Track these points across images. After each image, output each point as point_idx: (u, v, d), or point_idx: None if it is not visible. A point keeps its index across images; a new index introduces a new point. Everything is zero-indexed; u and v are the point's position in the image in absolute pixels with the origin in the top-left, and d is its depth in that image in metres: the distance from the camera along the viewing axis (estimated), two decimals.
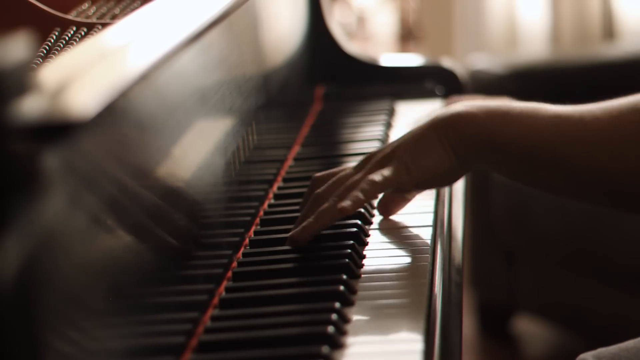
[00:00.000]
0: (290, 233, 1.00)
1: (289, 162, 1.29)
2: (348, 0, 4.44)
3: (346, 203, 0.98)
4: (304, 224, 0.99)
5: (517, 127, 0.99)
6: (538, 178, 1.01)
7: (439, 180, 1.04)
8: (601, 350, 1.10)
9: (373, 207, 1.11)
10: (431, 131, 1.01)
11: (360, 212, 1.07)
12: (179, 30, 0.90)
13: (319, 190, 1.02)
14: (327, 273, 0.94)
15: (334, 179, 1.03)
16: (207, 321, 0.87)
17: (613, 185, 0.99)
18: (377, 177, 1.00)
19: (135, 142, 0.78)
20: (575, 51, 2.95)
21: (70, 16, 1.17)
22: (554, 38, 3.05)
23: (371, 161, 1.03)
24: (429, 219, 1.07)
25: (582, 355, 1.11)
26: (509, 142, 0.99)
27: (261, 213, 1.11)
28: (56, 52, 1.08)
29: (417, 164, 1.00)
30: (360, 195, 0.99)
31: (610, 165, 0.97)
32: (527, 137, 0.99)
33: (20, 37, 0.62)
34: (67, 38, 1.12)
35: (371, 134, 1.38)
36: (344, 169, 1.05)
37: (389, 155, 1.02)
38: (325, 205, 0.99)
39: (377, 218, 1.09)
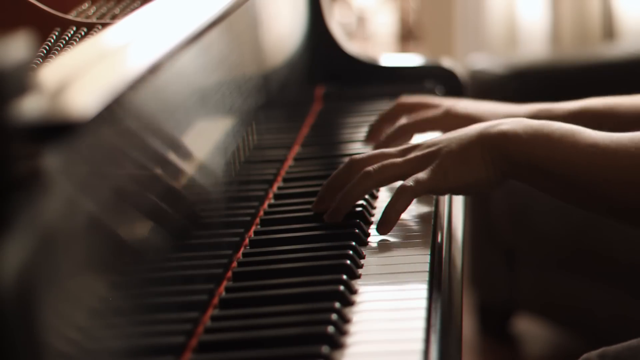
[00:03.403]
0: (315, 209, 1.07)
1: (289, 162, 1.29)
2: (348, 0, 4.44)
3: (376, 173, 1.04)
4: (339, 198, 1.05)
5: (557, 152, 1.02)
6: (575, 200, 1.05)
7: (473, 190, 1.07)
8: (605, 350, 1.11)
9: (373, 207, 1.11)
10: (477, 144, 1.03)
11: (360, 212, 1.07)
12: (179, 30, 0.90)
13: (356, 157, 1.07)
14: (327, 273, 0.94)
15: (374, 153, 1.08)
16: (207, 321, 0.87)
17: None
18: (410, 182, 1.03)
19: (135, 142, 0.78)
20: (575, 51, 2.94)
21: (70, 16, 1.17)
22: (554, 38, 3.05)
23: (414, 151, 1.06)
24: (429, 219, 1.07)
25: (585, 355, 1.11)
26: (548, 165, 1.02)
27: (261, 213, 1.11)
28: (56, 52, 1.08)
29: (456, 171, 1.03)
30: (397, 177, 1.05)
31: None
32: (565, 164, 1.02)
33: (20, 37, 0.62)
34: (67, 38, 1.12)
35: None
36: (386, 151, 1.08)
37: (433, 154, 1.04)
38: (356, 179, 1.04)
39: (377, 218, 1.09)
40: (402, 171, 1.04)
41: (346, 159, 1.08)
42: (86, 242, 0.67)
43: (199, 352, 0.83)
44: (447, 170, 1.03)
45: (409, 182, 1.02)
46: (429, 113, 1.26)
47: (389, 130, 1.27)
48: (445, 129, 1.22)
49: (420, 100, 1.31)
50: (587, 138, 1.02)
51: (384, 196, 1.16)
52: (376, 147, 1.25)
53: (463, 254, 1.08)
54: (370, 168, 1.04)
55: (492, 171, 1.03)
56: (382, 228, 1.03)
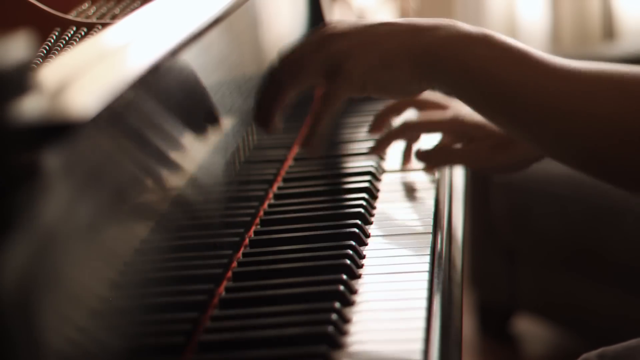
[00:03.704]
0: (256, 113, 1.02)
1: (289, 162, 1.29)
2: (348, 0, 4.44)
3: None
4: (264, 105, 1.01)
5: (505, 64, 0.93)
6: (512, 122, 0.95)
7: (396, 95, 1.00)
8: (604, 350, 1.11)
9: (373, 208, 1.11)
10: (404, 48, 0.95)
11: (360, 212, 1.07)
12: (179, 30, 0.90)
13: (276, 68, 1.01)
14: (327, 273, 0.94)
15: (291, 56, 1.01)
16: (207, 321, 0.87)
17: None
18: (336, 86, 0.97)
19: (135, 142, 0.78)
20: (575, 51, 2.94)
21: (70, 16, 1.17)
22: (554, 38, 3.05)
23: (333, 41, 0.98)
24: (429, 218, 1.07)
25: (584, 355, 1.11)
26: (493, 78, 0.93)
27: (261, 213, 1.11)
28: (56, 52, 1.08)
29: (375, 85, 0.97)
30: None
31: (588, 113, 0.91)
32: (516, 79, 0.93)
33: (20, 37, 0.62)
34: (67, 38, 1.12)
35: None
36: (303, 47, 1.00)
37: (348, 68, 0.96)
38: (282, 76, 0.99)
39: (377, 218, 1.09)
40: (324, 63, 0.97)
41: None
42: (86, 242, 0.67)
43: (199, 352, 0.83)
44: (364, 84, 0.96)
45: (333, 85, 0.97)
46: (436, 115, 1.23)
47: (395, 123, 1.25)
48: (450, 133, 1.21)
49: (429, 97, 1.27)
50: (541, 55, 0.94)
51: (384, 197, 1.16)
52: (379, 140, 1.24)
53: (463, 254, 1.08)
54: (292, 65, 0.99)
55: (419, 78, 0.95)
56: (309, 139, 1.01)
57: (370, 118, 1.45)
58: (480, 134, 1.18)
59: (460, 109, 1.23)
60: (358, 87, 0.97)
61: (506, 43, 0.94)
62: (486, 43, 0.94)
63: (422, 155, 1.22)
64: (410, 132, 1.24)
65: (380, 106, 1.50)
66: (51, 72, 0.70)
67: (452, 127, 1.21)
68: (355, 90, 0.98)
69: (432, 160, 1.21)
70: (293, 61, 0.99)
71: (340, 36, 0.98)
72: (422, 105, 1.27)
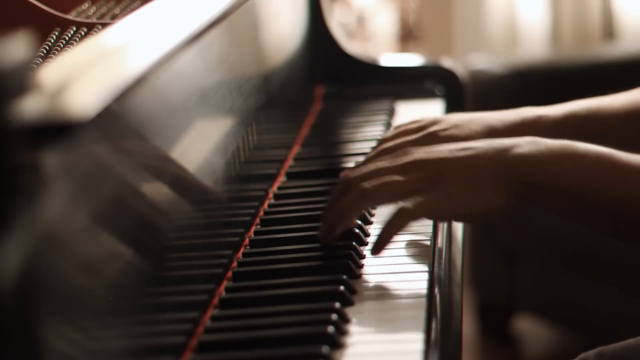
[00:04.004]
0: (321, 228, 0.99)
1: (289, 162, 1.29)
2: (348, 0, 4.44)
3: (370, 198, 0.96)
4: (328, 223, 0.98)
5: (594, 174, 0.96)
6: (597, 221, 0.99)
7: (480, 217, 0.99)
8: (603, 349, 1.11)
9: (373, 208, 1.11)
10: (489, 170, 0.96)
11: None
12: (179, 30, 0.90)
13: (351, 175, 0.99)
14: (327, 273, 0.94)
15: (370, 169, 0.99)
16: (207, 321, 0.87)
17: None
18: (409, 205, 0.95)
19: (135, 142, 0.78)
20: (575, 51, 2.94)
21: (70, 16, 1.17)
22: (554, 38, 3.05)
23: (416, 170, 0.97)
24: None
25: (583, 355, 1.11)
26: (581, 188, 0.96)
27: (261, 213, 1.11)
28: (56, 52, 1.08)
29: (464, 198, 0.96)
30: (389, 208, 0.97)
31: None
32: (604, 186, 0.96)
33: (20, 37, 0.62)
34: (67, 38, 1.12)
35: (371, 134, 1.38)
36: (382, 165, 0.99)
37: (438, 175, 0.96)
38: (351, 197, 0.97)
39: (377, 218, 1.09)
40: (402, 192, 0.96)
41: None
42: (86, 242, 0.67)
43: (199, 352, 0.83)
44: (452, 197, 0.95)
45: (409, 204, 0.95)
46: (410, 137, 1.13)
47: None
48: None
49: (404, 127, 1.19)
50: (625, 159, 0.96)
51: None
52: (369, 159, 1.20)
53: (463, 254, 1.08)
54: (367, 185, 0.96)
55: (505, 198, 0.96)
56: (376, 250, 0.96)
57: (370, 118, 1.45)
58: None
59: (433, 126, 1.17)
60: (438, 212, 0.96)
61: (591, 153, 0.97)
62: (571, 156, 0.96)
63: None
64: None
65: (378, 105, 1.50)
66: (51, 72, 0.70)
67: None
68: (431, 215, 0.97)
69: None
70: (378, 188, 0.96)
71: (425, 163, 0.97)
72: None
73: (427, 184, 0.96)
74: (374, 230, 1.05)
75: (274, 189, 1.19)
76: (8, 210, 0.58)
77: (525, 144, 0.97)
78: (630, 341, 1.11)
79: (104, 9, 1.25)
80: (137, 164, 0.78)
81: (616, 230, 1.00)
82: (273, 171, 1.23)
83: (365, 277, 0.95)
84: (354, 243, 0.99)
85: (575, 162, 0.96)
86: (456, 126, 1.13)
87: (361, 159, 1.24)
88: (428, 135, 1.08)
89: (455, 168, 0.96)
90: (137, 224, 0.78)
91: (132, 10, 1.22)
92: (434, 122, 1.12)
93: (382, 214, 1.10)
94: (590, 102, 1.20)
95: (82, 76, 0.70)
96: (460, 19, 3.10)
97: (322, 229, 0.99)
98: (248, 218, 1.08)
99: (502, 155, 0.96)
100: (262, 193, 1.15)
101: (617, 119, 1.19)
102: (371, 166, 0.99)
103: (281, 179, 1.23)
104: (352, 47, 1.64)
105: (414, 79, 1.59)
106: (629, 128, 1.19)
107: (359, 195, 0.96)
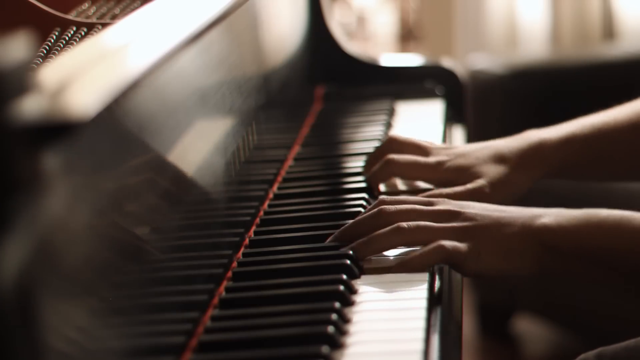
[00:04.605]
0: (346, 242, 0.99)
1: (289, 162, 1.29)
2: (348, 0, 4.44)
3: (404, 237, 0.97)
4: (359, 243, 0.98)
5: (615, 241, 0.99)
6: (630, 285, 1.03)
7: (501, 279, 1.02)
8: (603, 350, 1.11)
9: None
10: (518, 236, 0.98)
11: (360, 212, 1.07)
12: (179, 30, 0.90)
13: (387, 207, 1.00)
14: (327, 273, 0.94)
15: (406, 207, 1.01)
16: (207, 321, 0.87)
17: None
18: (449, 245, 0.96)
19: (135, 142, 0.78)
20: (575, 51, 2.94)
21: (70, 16, 1.17)
22: (554, 38, 3.05)
23: (451, 220, 0.99)
24: None
25: (583, 355, 1.11)
26: (603, 255, 0.99)
27: (261, 213, 1.11)
28: (56, 52, 1.08)
29: (492, 258, 0.98)
30: (420, 245, 0.98)
31: None
32: (627, 252, 0.99)
33: (20, 37, 0.62)
34: (67, 38, 1.12)
35: (371, 134, 1.38)
36: (418, 207, 1.01)
37: (472, 231, 0.98)
38: (386, 230, 0.98)
39: None
40: (434, 239, 0.97)
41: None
42: (86, 242, 0.67)
43: (199, 352, 0.83)
44: (481, 254, 0.97)
45: (449, 244, 0.96)
46: (419, 161, 1.18)
47: (376, 165, 1.18)
48: (434, 182, 1.17)
49: (412, 140, 1.22)
50: None
51: (383, 197, 1.16)
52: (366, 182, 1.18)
53: None
54: (404, 225, 0.97)
55: (527, 265, 0.98)
56: (400, 268, 0.96)
57: (370, 118, 1.45)
58: (464, 179, 1.15)
59: (442, 157, 1.19)
60: (466, 265, 0.97)
61: (611, 216, 0.99)
62: (594, 221, 0.99)
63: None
64: (392, 170, 1.17)
65: (378, 105, 1.50)
66: (51, 72, 0.70)
67: (435, 176, 1.17)
68: (459, 265, 0.98)
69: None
70: (414, 229, 0.97)
71: (459, 215, 0.99)
72: (404, 148, 1.21)
73: (459, 237, 0.98)
74: None
75: (274, 189, 1.19)
76: (8, 210, 0.58)
77: (549, 214, 1.00)
78: (631, 342, 1.11)
79: (104, 9, 1.25)
80: (137, 164, 0.78)
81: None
82: (273, 171, 1.23)
83: (365, 277, 0.95)
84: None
85: (597, 227, 0.99)
86: (462, 155, 1.16)
87: (361, 159, 1.25)
88: (437, 164, 1.16)
89: (487, 227, 0.99)
90: (137, 223, 0.78)
91: (132, 10, 1.22)
92: (441, 151, 1.17)
93: None
94: (594, 119, 1.22)
95: (82, 76, 0.70)
96: (460, 19, 3.10)
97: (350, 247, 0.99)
98: (248, 218, 1.08)
99: (529, 224, 0.99)
100: (262, 193, 1.15)
101: (623, 132, 1.20)
102: (408, 205, 1.01)
103: (281, 179, 1.23)
104: (352, 47, 1.64)
105: (414, 79, 1.60)
106: (637, 140, 1.20)
107: (393, 231, 0.97)
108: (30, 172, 0.60)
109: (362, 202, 1.10)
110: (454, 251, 0.96)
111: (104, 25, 1.14)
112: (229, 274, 0.96)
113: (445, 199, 1.03)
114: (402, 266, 0.96)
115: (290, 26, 1.48)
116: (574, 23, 3.03)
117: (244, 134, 1.11)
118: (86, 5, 1.25)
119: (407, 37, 4.39)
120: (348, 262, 0.95)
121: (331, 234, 1.02)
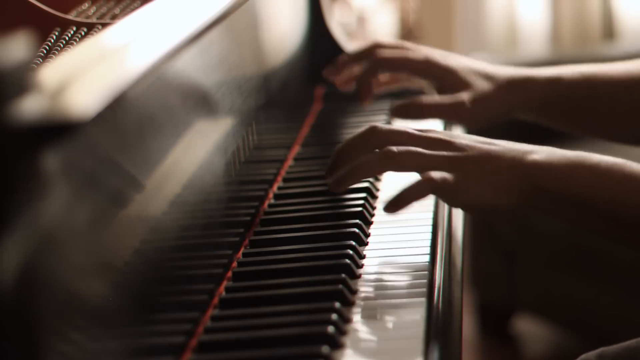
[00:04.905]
0: (328, 178, 1.01)
1: (289, 162, 1.29)
2: (348, 0, 4.44)
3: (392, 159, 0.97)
4: (341, 173, 0.99)
5: (605, 184, 0.97)
6: (606, 230, 1.00)
7: (485, 211, 1.03)
8: (603, 350, 1.10)
9: (373, 208, 1.11)
10: (507, 170, 0.97)
11: (360, 212, 1.07)
12: (179, 30, 0.90)
13: (379, 127, 1.00)
14: (327, 273, 0.94)
15: (398, 129, 1.00)
16: (207, 321, 0.87)
17: None
18: (437, 176, 0.96)
19: (135, 142, 0.78)
20: (575, 51, 2.95)
21: (70, 16, 1.17)
22: (554, 38, 3.05)
23: (442, 148, 0.98)
24: (429, 218, 1.07)
25: (584, 356, 1.11)
26: (592, 197, 0.97)
27: (261, 213, 1.11)
28: (56, 52, 1.08)
29: (478, 190, 0.97)
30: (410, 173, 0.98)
31: None
32: (614, 196, 0.97)
33: (20, 37, 0.62)
34: (67, 38, 1.12)
35: None
36: (410, 132, 1.00)
37: (461, 162, 0.97)
38: (375, 155, 0.98)
39: (377, 218, 1.09)
40: (425, 165, 0.97)
41: (369, 126, 1.01)
42: (86, 241, 0.67)
43: (199, 352, 0.83)
44: (469, 186, 0.97)
45: (437, 175, 0.96)
46: (408, 53, 1.24)
47: (364, 64, 1.24)
48: (421, 75, 1.22)
49: (397, 43, 1.27)
50: (636, 170, 0.98)
51: (384, 197, 1.16)
52: (343, 82, 1.25)
53: (463, 254, 1.08)
54: (394, 149, 0.96)
55: (514, 199, 0.97)
56: (391, 207, 0.97)
57: (371, 118, 1.45)
58: (450, 81, 1.19)
59: (430, 53, 1.24)
60: (454, 195, 0.97)
61: (603, 162, 0.98)
62: (585, 165, 0.98)
63: (398, 109, 1.22)
64: (382, 68, 1.22)
65: (378, 105, 1.50)
66: (51, 72, 0.70)
67: (423, 68, 1.21)
68: (447, 195, 0.97)
69: (410, 113, 1.22)
70: (404, 154, 0.97)
71: (450, 145, 0.99)
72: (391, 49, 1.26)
73: (448, 166, 0.97)
74: (374, 230, 1.05)
75: (274, 189, 1.19)
76: (8, 210, 0.58)
77: (541, 151, 0.99)
78: (632, 342, 1.11)
79: (104, 9, 1.25)
80: (136, 163, 0.78)
81: (626, 238, 1.01)
82: (273, 171, 1.23)
83: (365, 277, 0.95)
84: (354, 243, 0.99)
85: (589, 170, 0.98)
86: (454, 58, 1.25)
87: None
88: (427, 60, 1.21)
89: (477, 159, 0.98)
90: (137, 223, 0.78)
91: (132, 10, 1.22)
92: (431, 51, 1.24)
93: (381, 218, 1.10)
94: (585, 67, 1.25)
95: (82, 76, 0.70)
96: (460, 18, 3.10)
97: (334, 177, 1.00)
98: (248, 218, 1.08)
99: (519, 159, 0.98)
100: (262, 193, 1.15)
101: (610, 86, 1.22)
102: (400, 133, 1.00)
103: (281, 179, 1.23)
104: (352, 47, 1.64)
105: None
106: (622, 97, 1.22)
107: (383, 156, 0.97)
108: (30, 172, 0.60)
109: (362, 202, 1.10)
110: (442, 183, 0.95)
111: (104, 25, 1.14)
112: (229, 274, 0.96)
113: (436, 129, 1.03)
114: (394, 205, 0.96)
115: (290, 26, 1.48)
116: (574, 23, 3.03)
117: (244, 134, 1.11)
118: (86, 5, 1.25)
119: (407, 37, 4.39)
120: (348, 262, 0.95)
121: (331, 234, 1.02)
